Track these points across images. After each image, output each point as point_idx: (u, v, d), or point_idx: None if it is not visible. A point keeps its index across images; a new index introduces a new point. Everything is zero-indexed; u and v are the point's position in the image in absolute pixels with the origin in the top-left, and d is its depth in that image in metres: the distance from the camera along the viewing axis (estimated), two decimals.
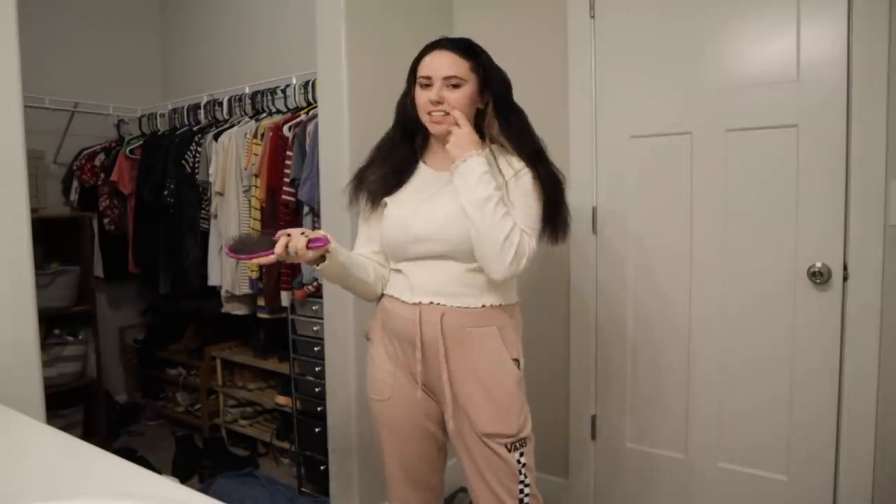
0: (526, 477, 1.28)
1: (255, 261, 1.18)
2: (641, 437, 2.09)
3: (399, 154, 1.38)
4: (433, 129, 1.30)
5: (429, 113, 1.28)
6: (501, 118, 1.32)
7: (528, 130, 1.34)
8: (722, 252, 1.89)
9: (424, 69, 1.29)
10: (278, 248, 1.15)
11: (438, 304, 1.27)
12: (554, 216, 1.31)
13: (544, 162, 1.32)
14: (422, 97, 1.29)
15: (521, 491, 1.27)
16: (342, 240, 1.92)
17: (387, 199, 1.35)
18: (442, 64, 1.27)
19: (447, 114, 1.27)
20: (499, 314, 1.30)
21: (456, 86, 1.27)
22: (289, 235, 1.16)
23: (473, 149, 1.23)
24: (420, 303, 1.28)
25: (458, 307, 1.27)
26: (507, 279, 1.24)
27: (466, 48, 1.31)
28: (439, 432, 1.38)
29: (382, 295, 1.39)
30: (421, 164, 1.38)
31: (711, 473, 1.96)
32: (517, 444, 1.28)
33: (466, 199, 1.21)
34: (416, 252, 1.30)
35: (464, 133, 1.25)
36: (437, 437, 1.39)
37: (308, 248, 1.16)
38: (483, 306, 1.28)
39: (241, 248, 1.18)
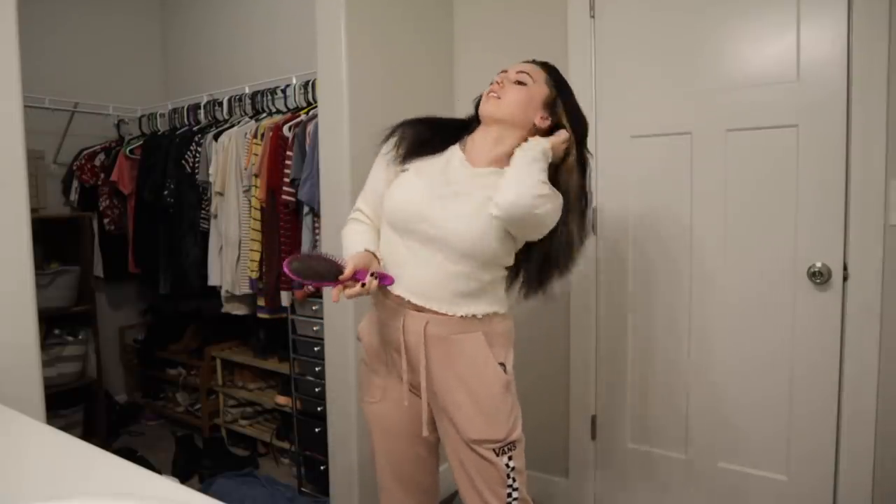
0: (514, 480, 1.27)
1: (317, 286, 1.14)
2: (641, 437, 2.09)
3: (444, 130, 1.37)
4: (482, 107, 1.31)
5: (488, 94, 1.29)
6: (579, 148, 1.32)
7: (584, 179, 1.31)
8: (722, 252, 1.89)
9: (508, 67, 1.33)
10: (350, 291, 1.12)
11: (422, 308, 1.24)
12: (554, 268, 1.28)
13: (579, 215, 1.29)
14: (490, 87, 1.31)
15: (510, 494, 1.27)
16: (340, 239, 1.93)
17: (408, 166, 1.31)
18: (519, 65, 1.32)
19: (500, 98, 1.27)
20: (485, 322, 1.27)
21: (521, 83, 1.29)
22: (357, 279, 1.14)
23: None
24: (403, 299, 1.24)
25: (443, 314, 1.23)
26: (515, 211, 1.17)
27: (549, 66, 1.36)
28: (431, 435, 1.37)
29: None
30: (457, 149, 1.33)
31: (711, 473, 1.96)
32: (505, 448, 1.26)
33: (520, 160, 1.21)
34: (415, 229, 1.23)
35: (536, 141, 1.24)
36: (427, 440, 1.38)
37: (378, 286, 1.18)
38: (466, 316, 1.24)
39: (305, 270, 1.11)
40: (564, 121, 1.30)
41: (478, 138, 1.32)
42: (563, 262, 1.28)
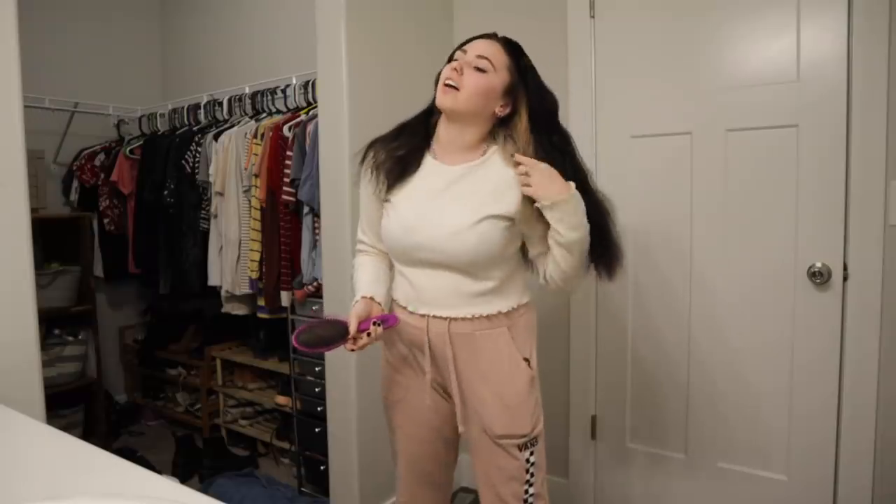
0: (533, 476, 1.28)
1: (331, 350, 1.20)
2: (641, 437, 2.09)
3: (413, 140, 1.30)
4: (438, 98, 1.22)
5: (445, 81, 1.21)
6: (541, 135, 1.22)
7: (572, 153, 1.26)
8: (722, 252, 1.89)
9: (464, 46, 1.24)
10: (361, 343, 1.18)
11: (444, 316, 1.25)
12: (604, 250, 1.24)
13: (588, 191, 1.23)
14: (446, 69, 1.22)
15: (527, 491, 1.27)
16: (342, 240, 1.94)
17: (391, 197, 1.29)
18: (480, 46, 1.22)
19: (457, 89, 1.19)
20: (508, 317, 1.28)
21: (482, 69, 1.19)
22: (361, 330, 1.18)
23: (565, 184, 1.16)
24: (426, 315, 1.26)
25: (465, 318, 1.25)
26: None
27: (512, 46, 1.25)
28: (451, 433, 1.38)
29: (393, 301, 1.36)
30: (428, 157, 1.30)
31: (711, 473, 1.96)
32: (528, 444, 1.27)
33: (563, 241, 1.17)
34: (417, 258, 1.26)
35: (544, 169, 1.15)
36: (448, 438, 1.39)
37: (384, 330, 1.21)
38: (489, 315, 1.25)
39: (314, 340, 1.15)
40: (523, 107, 1.23)
41: (442, 134, 1.28)
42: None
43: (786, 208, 1.78)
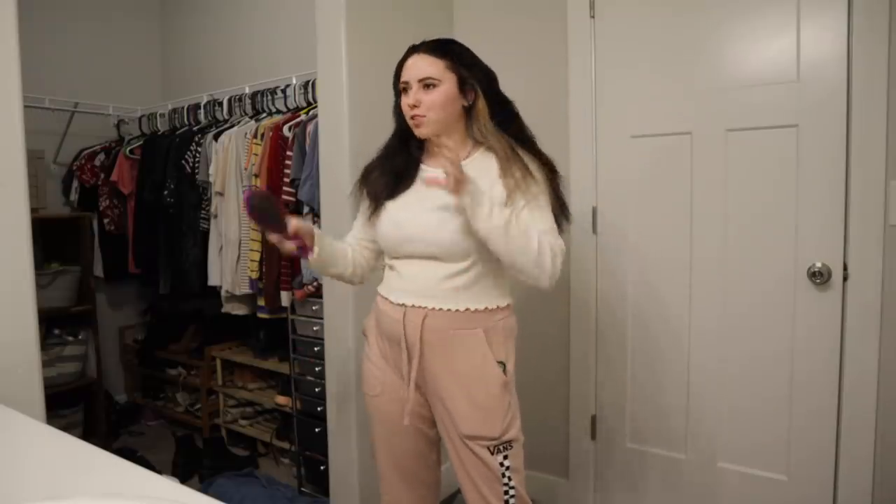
0: (510, 479, 1.28)
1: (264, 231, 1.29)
2: (641, 437, 2.09)
3: (399, 160, 1.38)
4: (416, 132, 1.31)
5: (411, 117, 1.29)
6: (492, 111, 1.32)
7: (518, 120, 1.36)
8: (722, 252, 1.89)
9: (403, 75, 1.31)
10: (286, 246, 1.30)
11: (423, 306, 1.29)
12: (560, 207, 1.34)
13: (538, 152, 1.34)
14: (403, 103, 1.31)
15: (507, 493, 1.28)
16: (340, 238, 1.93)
17: (387, 203, 1.37)
18: (416, 67, 1.29)
19: (423, 116, 1.27)
20: (486, 316, 1.29)
21: (431, 86, 1.27)
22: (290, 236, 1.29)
23: (469, 183, 1.17)
24: (405, 304, 1.30)
25: (442, 309, 1.28)
26: (551, 283, 1.24)
27: (440, 47, 1.31)
28: (429, 429, 1.39)
29: (378, 294, 1.41)
30: (422, 167, 1.38)
31: (711, 473, 1.96)
32: (500, 448, 1.28)
33: (484, 229, 1.19)
34: (406, 250, 1.32)
35: (455, 173, 1.16)
36: (427, 434, 1.40)
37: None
38: (467, 310, 1.28)
39: (264, 214, 1.27)
40: (478, 93, 1.30)
41: (432, 149, 1.35)
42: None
43: (786, 208, 1.78)
